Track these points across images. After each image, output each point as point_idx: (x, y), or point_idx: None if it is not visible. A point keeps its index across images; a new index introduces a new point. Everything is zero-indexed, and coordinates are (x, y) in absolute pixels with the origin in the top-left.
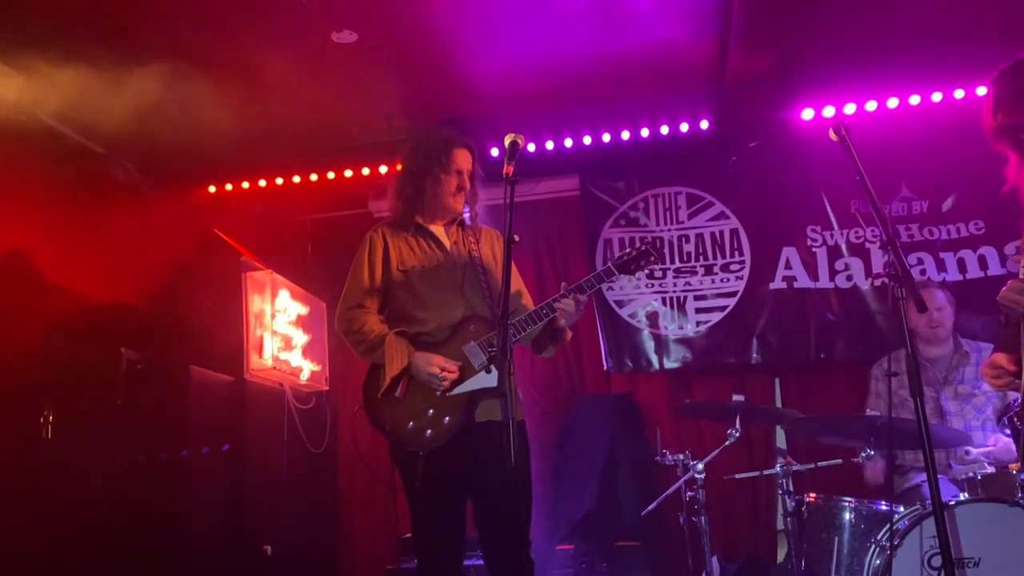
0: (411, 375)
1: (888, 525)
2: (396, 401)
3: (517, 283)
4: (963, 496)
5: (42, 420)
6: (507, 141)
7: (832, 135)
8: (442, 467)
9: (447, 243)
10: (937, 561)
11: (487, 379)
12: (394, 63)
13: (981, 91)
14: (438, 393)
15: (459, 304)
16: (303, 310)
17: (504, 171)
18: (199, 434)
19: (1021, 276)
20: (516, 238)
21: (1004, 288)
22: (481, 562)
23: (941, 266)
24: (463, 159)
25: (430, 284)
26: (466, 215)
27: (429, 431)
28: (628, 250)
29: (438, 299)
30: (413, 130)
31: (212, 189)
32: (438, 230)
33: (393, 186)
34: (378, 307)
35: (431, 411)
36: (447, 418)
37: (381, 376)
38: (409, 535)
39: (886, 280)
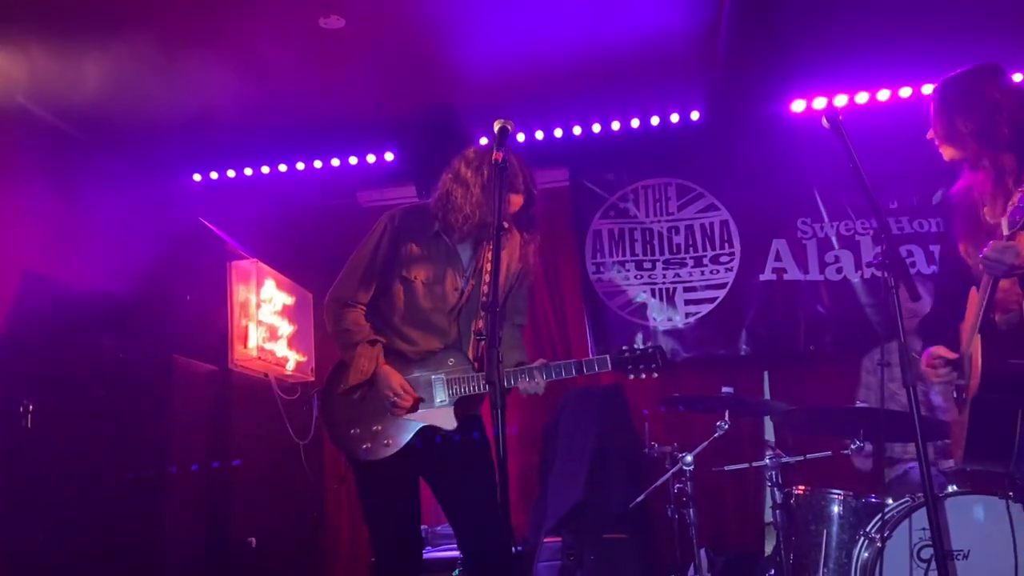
0: (372, 384)
1: (877, 517)
2: (351, 403)
3: (521, 294)
4: (951, 488)
5: (21, 410)
6: (496, 127)
7: (824, 123)
8: (385, 473)
9: (463, 257)
10: (926, 553)
11: (440, 419)
12: (382, 50)
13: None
14: (390, 414)
15: (447, 331)
16: (289, 300)
17: (493, 157)
18: (182, 423)
19: (1005, 233)
20: (505, 225)
21: (987, 248)
22: (442, 555)
23: (931, 259)
24: (515, 203)
25: (427, 302)
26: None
27: (366, 445)
28: (634, 348)
29: (429, 320)
30: (486, 149)
31: (197, 177)
32: (455, 243)
33: (449, 183)
34: (371, 298)
35: (376, 427)
36: (387, 440)
37: (346, 376)
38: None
39: (875, 272)
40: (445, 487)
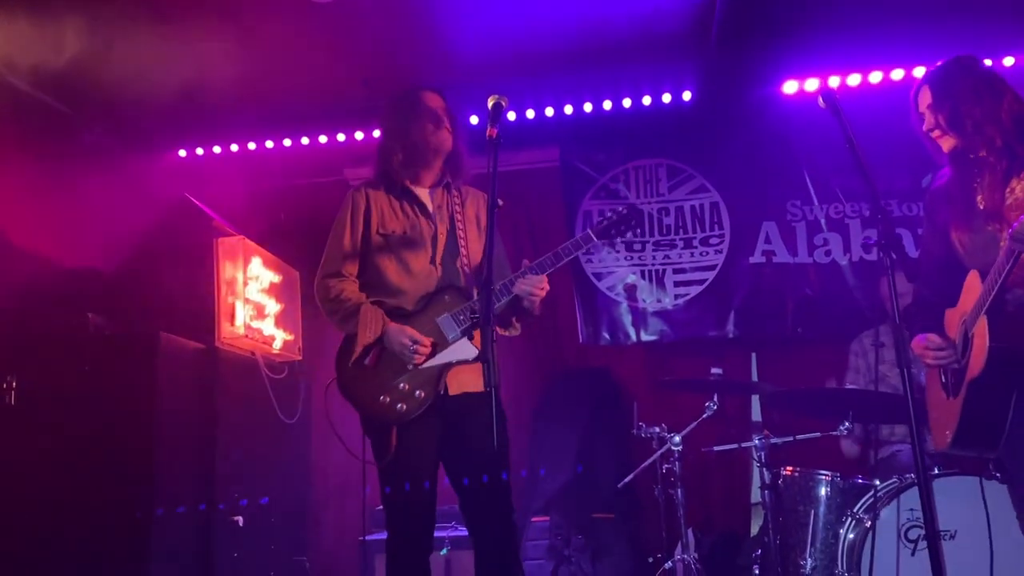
0: (384, 346)
1: (864, 498)
2: (368, 374)
3: (499, 254)
4: (937, 470)
5: (5, 386)
6: (490, 103)
7: (821, 102)
8: (414, 439)
9: (431, 207)
10: (913, 533)
11: (460, 352)
12: (372, 26)
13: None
14: (410, 366)
15: (435, 274)
16: (276, 278)
17: (487, 133)
18: (169, 401)
19: None
20: (500, 202)
21: (1017, 222)
22: (451, 533)
23: (921, 242)
24: (431, 99)
25: (409, 252)
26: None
27: (400, 405)
28: (608, 215)
29: (415, 268)
30: (386, 97)
31: (183, 153)
32: (423, 193)
33: (376, 151)
34: (358, 270)
35: (403, 385)
36: (419, 392)
37: (354, 347)
38: (380, 507)
39: (864, 256)
40: (457, 448)
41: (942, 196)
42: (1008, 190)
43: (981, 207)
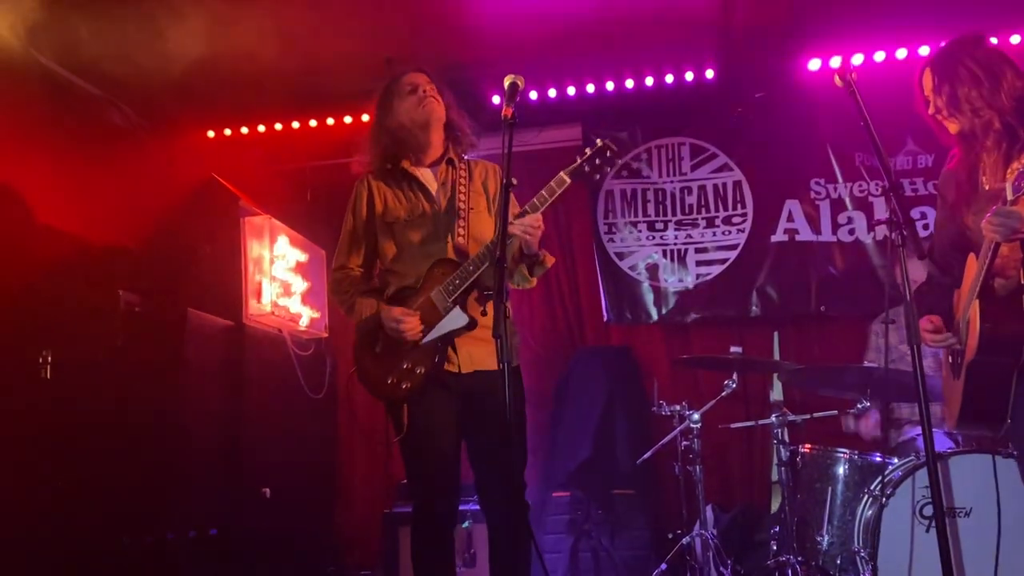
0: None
1: (881, 476)
2: (375, 358)
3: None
4: (953, 447)
5: (41, 360)
6: (506, 82)
7: (837, 81)
8: (423, 415)
9: (434, 186)
10: (929, 511)
11: (453, 322)
12: (394, 4)
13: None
14: (410, 344)
15: (439, 253)
16: (302, 257)
17: (503, 113)
18: (197, 377)
19: (1009, 198)
20: (515, 181)
21: (990, 212)
22: (473, 507)
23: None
24: (412, 77)
25: (414, 235)
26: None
27: (405, 384)
28: (584, 153)
29: (421, 250)
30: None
31: (211, 134)
32: (425, 174)
33: (367, 140)
34: (363, 260)
35: (405, 364)
36: (419, 368)
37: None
38: (405, 480)
39: (886, 232)
40: (473, 425)
41: (952, 177)
42: (1009, 171)
43: (986, 188)
